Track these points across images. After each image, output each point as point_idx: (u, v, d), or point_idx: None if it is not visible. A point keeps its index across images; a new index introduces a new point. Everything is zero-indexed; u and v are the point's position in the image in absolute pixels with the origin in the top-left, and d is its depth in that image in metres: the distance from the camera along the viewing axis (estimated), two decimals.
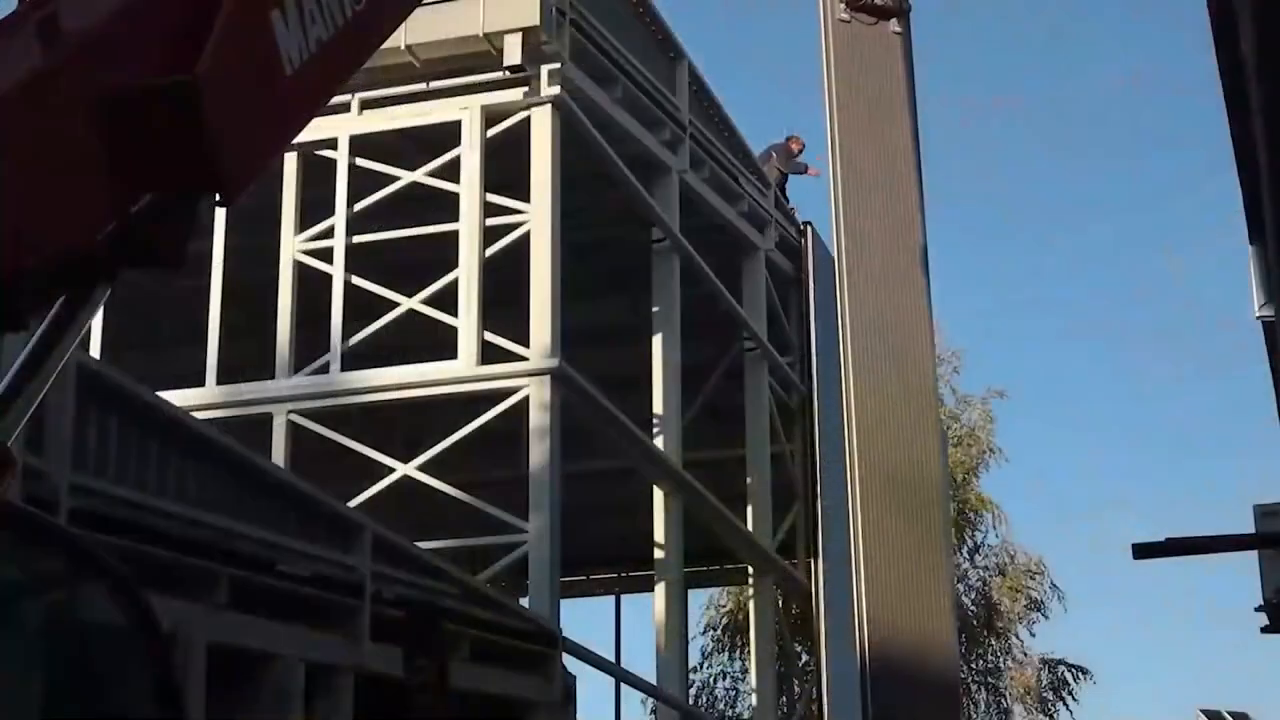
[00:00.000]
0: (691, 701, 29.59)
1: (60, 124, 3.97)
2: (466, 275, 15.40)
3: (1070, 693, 34.48)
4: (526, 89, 15.58)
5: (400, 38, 15.08)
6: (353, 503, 13.87)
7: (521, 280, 15.50)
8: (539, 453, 14.97)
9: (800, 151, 22.32)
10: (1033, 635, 34.82)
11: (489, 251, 15.48)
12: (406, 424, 20.87)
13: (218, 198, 4.34)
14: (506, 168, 15.78)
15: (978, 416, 35.28)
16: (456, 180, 15.75)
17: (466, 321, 15.22)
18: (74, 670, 4.14)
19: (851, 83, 13.37)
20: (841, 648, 20.35)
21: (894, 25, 13.70)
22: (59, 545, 4.16)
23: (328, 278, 15.82)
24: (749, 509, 20.43)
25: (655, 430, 17.94)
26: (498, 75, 15.56)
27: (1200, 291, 58.24)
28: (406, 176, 16.02)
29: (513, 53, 15.25)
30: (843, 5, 14.76)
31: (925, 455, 13.18)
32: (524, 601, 15.03)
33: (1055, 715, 34.41)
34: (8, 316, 3.85)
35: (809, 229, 22.03)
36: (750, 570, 21.59)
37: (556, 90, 15.49)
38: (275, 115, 4.65)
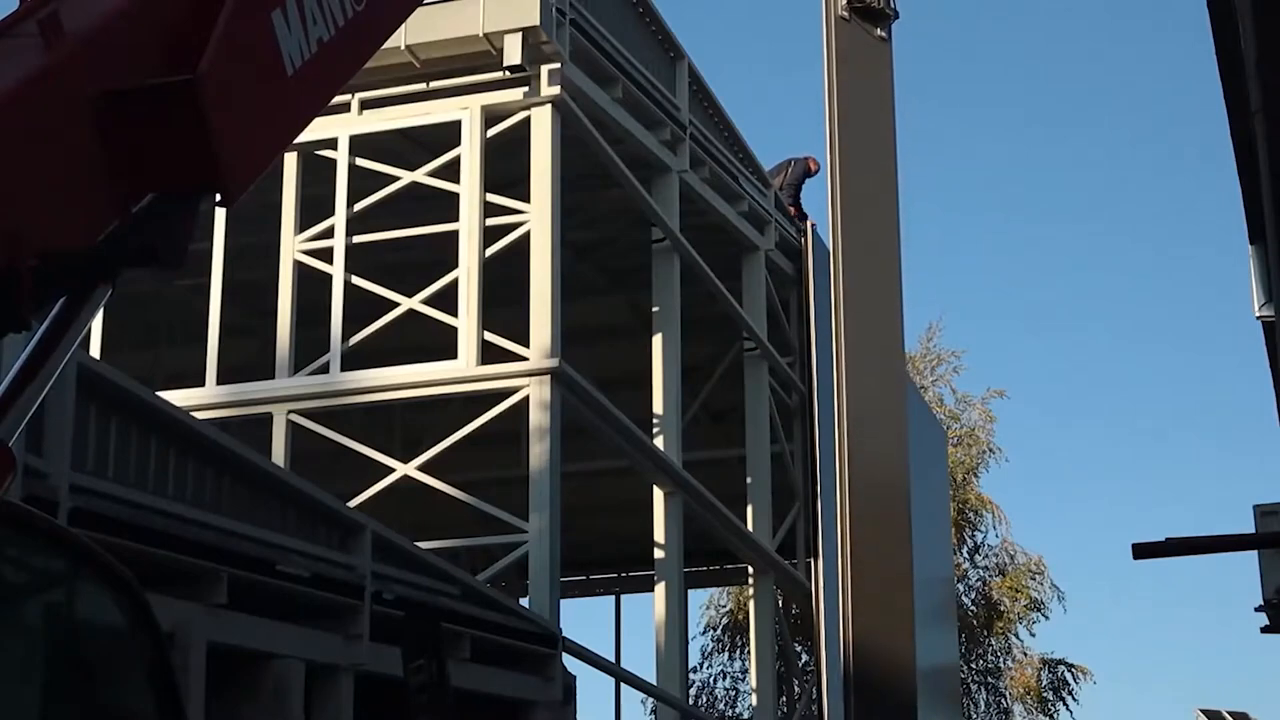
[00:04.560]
0: (691, 701, 29.61)
1: (62, 123, 3.97)
2: (466, 275, 15.40)
3: (1070, 693, 34.55)
4: (526, 89, 15.58)
5: (400, 38, 15.07)
6: (353, 503, 13.86)
7: (521, 280, 15.50)
8: (539, 453, 14.97)
9: (816, 173, 22.24)
10: (1033, 635, 34.90)
11: (489, 251, 15.48)
12: (406, 424, 20.89)
13: (218, 198, 4.34)
14: (506, 168, 15.78)
15: (978, 416, 35.35)
16: (456, 180, 15.75)
17: (466, 321, 15.22)
18: (73, 670, 4.14)
19: (851, 82, 13.45)
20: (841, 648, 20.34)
21: (879, 31, 13.81)
22: (59, 545, 4.16)
23: (328, 278, 15.81)
24: (749, 509, 20.43)
25: (655, 430, 17.93)
26: (498, 75, 15.56)
27: (1200, 291, 58.29)
28: (406, 176, 16.02)
29: (513, 53, 15.24)
30: (844, 2, 14.86)
31: (893, 457, 13.21)
32: (524, 601, 15.02)
33: (1055, 715, 34.47)
34: (10, 316, 3.85)
35: (809, 229, 22.03)
36: (750, 570, 21.58)
37: (556, 90, 15.49)
38: (276, 115, 4.66)
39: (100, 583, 4.18)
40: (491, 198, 15.67)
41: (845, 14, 13.48)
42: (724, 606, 34.73)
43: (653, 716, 28.77)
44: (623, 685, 22.07)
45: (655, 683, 18.04)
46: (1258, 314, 12.81)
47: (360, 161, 15.99)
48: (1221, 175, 56.80)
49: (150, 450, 10.02)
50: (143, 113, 4.10)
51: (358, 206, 15.96)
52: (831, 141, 13.09)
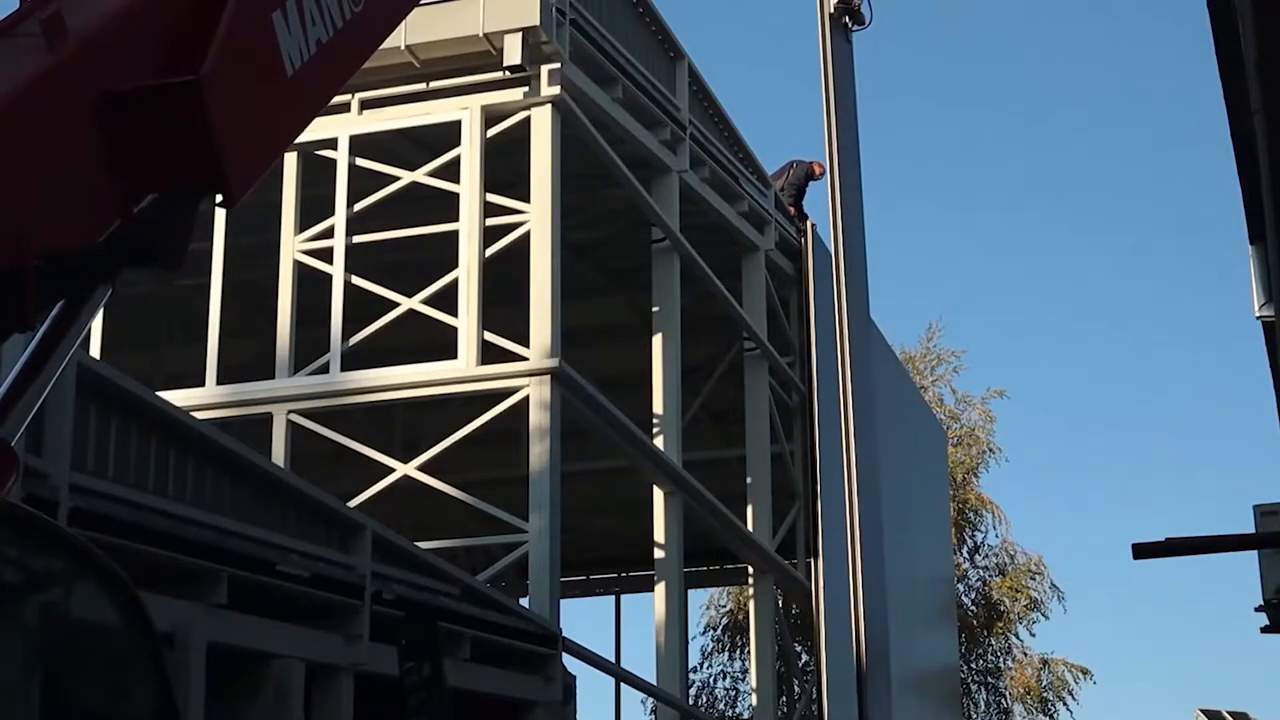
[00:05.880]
0: (691, 701, 29.62)
1: (64, 124, 3.97)
2: (466, 275, 15.40)
3: (1070, 693, 34.56)
4: (526, 89, 15.58)
5: (400, 38, 15.07)
6: (353, 503, 13.87)
7: (521, 280, 15.50)
8: (539, 453, 14.97)
9: (820, 176, 22.19)
10: (1033, 635, 34.94)
11: (489, 251, 15.48)
12: (406, 424, 20.89)
13: (220, 198, 4.35)
14: (506, 168, 15.78)
15: (978, 416, 35.39)
16: (456, 180, 15.75)
17: (466, 321, 15.22)
18: (69, 669, 4.15)
19: (841, 80, 13.64)
20: (841, 648, 20.34)
21: (849, 34, 14.08)
22: (57, 545, 4.16)
23: (328, 278, 15.81)
24: (749, 509, 20.43)
25: (655, 430, 17.93)
26: (498, 75, 15.56)
27: (1200, 291, 58.29)
28: (406, 176, 16.02)
29: (513, 53, 15.24)
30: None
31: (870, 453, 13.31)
32: (524, 601, 15.02)
33: (1055, 715, 34.48)
34: (14, 316, 3.86)
35: (809, 229, 22.03)
36: (750, 570, 21.59)
37: (556, 90, 15.48)
38: (277, 116, 4.67)
39: (96, 583, 4.19)
40: (491, 198, 15.67)
41: (833, 11, 13.69)
42: (724, 606, 34.76)
43: (653, 716, 28.80)
44: (623, 685, 22.08)
45: (655, 683, 18.04)
46: (1258, 314, 12.80)
47: (360, 161, 15.99)
48: (1221, 175, 56.80)
49: (150, 450, 10.02)
50: (145, 113, 4.11)
51: (358, 206, 15.96)
52: (829, 139, 13.21)
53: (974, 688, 34.31)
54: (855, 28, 13.87)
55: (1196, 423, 57.90)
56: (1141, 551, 11.99)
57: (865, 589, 12.14)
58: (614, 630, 27.23)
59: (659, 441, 17.77)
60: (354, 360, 15.83)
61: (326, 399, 15.71)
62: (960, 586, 33.52)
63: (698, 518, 18.59)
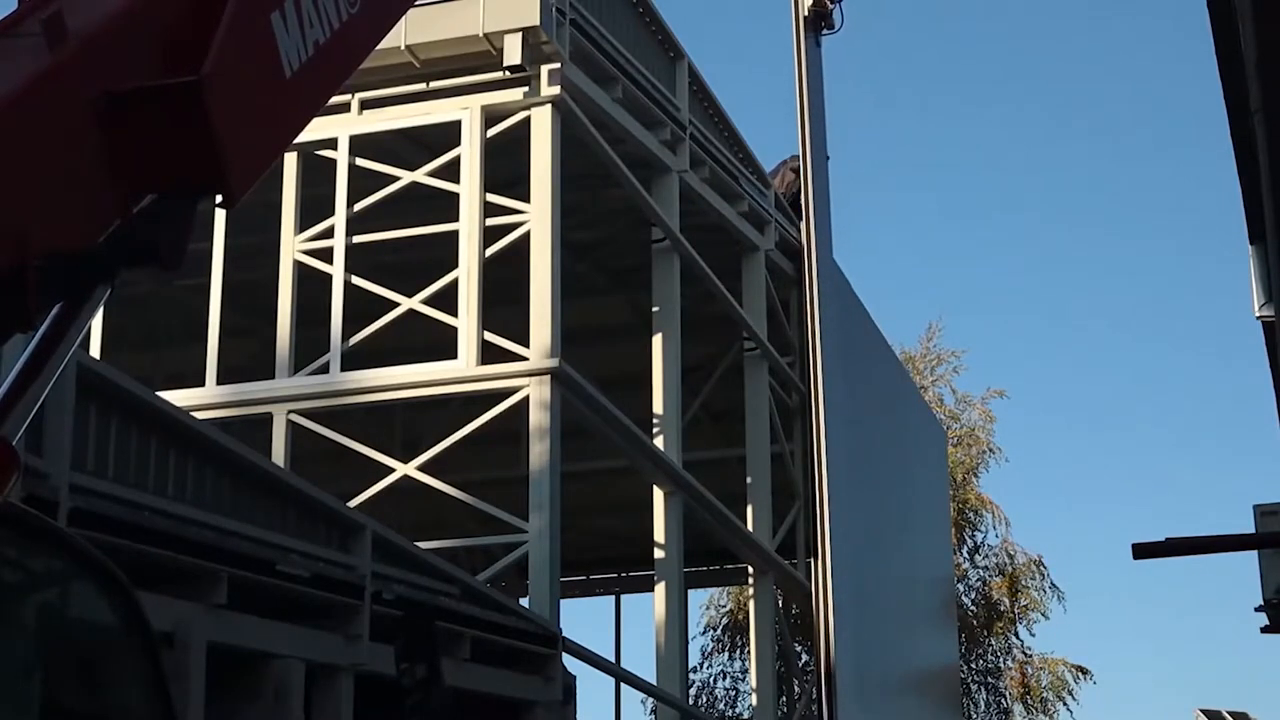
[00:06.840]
0: (691, 701, 29.61)
1: (66, 124, 3.97)
2: (466, 275, 15.40)
3: (1070, 692, 34.54)
4: (526, 89, 15.58)
5: (400, 38, 15.08)
6: (353, 503, 13.86)
7: (521, 280, 15.50)
8: (539, 453, 14.97)
9: None
10: (1033, 635, 34.92)
11: (489, 251, 15.49)
12: (406, 424, 20.89)
13: (219, 198, 4.35)
14: (506, 168, 15.79)
15: (978, 416, 35.37)
16: (456, 180, 15.75)
17: (466, 321, 15.22)
18: (66, 669, 4.15)
19: (815, 77, 13.83)
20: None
21: (819, 36, 14.29)
22: (55, 546, 4.17)
23: (328, 278, 15.81)
24: (749, 509, 20.43)
25: (655, 430, 17.94)
26: (498, 75, 15.56)
27: (1200, 291, 58.26)
28: (406, 176, 16.02)
29: (513, 53, 15.24)
30: (809, 3, 15.43)
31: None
32: (524, 601, 15.02)
33: (1055, 715, 34.46)
34: (17, 316, 3.86)
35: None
36: (750, 570, 21.59)
37: (556, 90, 15.49)
38: (276, 116, 4.68)
39: (95, 584, 4.20)
40: (491, 198, 15.67)
41: (808, 14, 13.86)
42: (724, 606, 34.75)
43: (653, 716, 28.78)
44: (623, 685, 22.08)
45: (655, 683, 18.05)
46: (1258, 314, 12.81)
47: (360, 161, 15.99)
48: (1221, 175, 56.77)
49: (150, 450, 10.02)
50: (145, 113, 4.12)
51: (358, 206, 15.96)
52: (802, 136, 13.35)
53: (974, 688, 34.29)
54: (827, 32, 14.04)
55: (1196, 423, 57.88)
56: (1141, 551, 12.00)
57: (835, 587, 12.21)
58: (614, 630, 27.25)
59: (659, 441, 17.78)
60: (354, 360, 15.83)
61: (326, 399, 15.71)
62: (960, 586, 33.51)
63: (698, 518, 18.59)
